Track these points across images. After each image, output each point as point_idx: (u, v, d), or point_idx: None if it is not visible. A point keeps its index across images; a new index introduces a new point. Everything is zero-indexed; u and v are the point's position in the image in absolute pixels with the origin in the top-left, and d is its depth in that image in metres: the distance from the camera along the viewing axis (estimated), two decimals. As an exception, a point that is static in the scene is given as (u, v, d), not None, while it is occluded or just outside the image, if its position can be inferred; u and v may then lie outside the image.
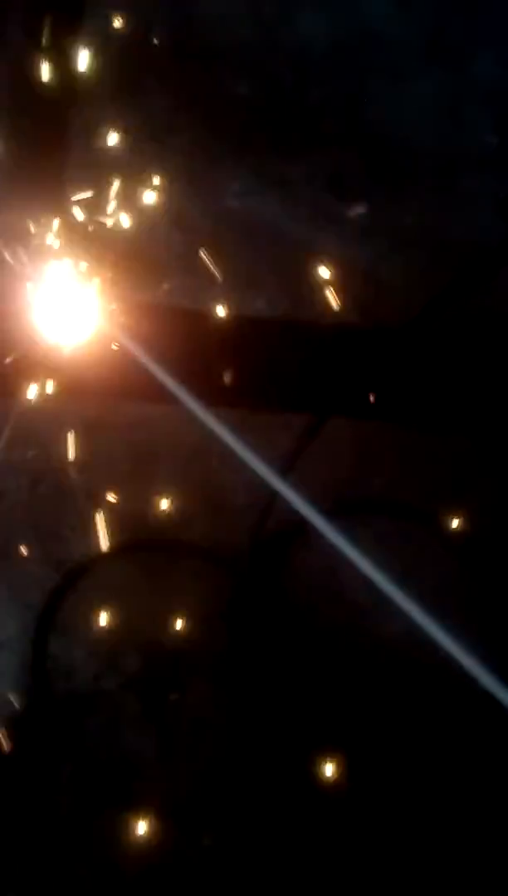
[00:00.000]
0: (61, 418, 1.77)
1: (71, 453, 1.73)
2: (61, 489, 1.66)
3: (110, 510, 1.66)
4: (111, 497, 1.67)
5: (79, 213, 0.95)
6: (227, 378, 0.62)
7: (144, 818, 1.34)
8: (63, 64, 0.90)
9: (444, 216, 2.28)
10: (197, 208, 2.16)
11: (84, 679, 1.45)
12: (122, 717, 1.41)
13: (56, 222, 0.88)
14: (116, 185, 1.22)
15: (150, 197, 1.30)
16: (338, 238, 2.17)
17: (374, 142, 2.41)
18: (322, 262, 2.13)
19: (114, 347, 0.60)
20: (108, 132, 2.27)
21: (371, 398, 1.36)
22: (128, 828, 1.33)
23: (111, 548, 1.59)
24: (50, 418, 1.75)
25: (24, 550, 1.57)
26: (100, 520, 1.64)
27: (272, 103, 2.44)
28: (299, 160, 2.32)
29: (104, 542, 1.60)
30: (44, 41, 0.85)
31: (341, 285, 2.12)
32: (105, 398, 1.79)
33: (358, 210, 2.24)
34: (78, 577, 1.56)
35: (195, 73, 2.48)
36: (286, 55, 2.56)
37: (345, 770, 1.45)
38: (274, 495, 1.69)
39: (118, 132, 2.27)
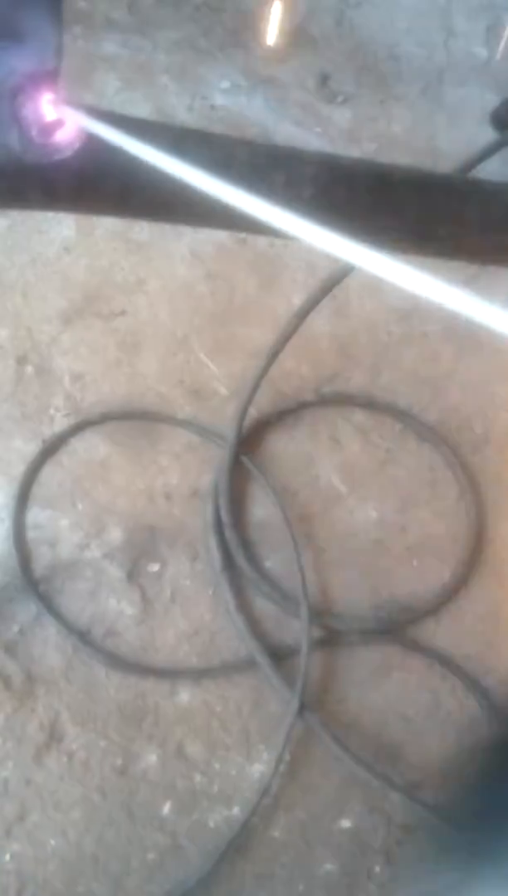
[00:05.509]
0: (48, 301, 1.79)
1: (57, 337, 1.75)
2: (47, 370, 1.69)
3: (95, 391, 1.69)
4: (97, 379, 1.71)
5: None
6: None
7: (124, 676, 1.40)
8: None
9: (430, 123, 2.29)
10: (184, 104, 2.15)
11: (68, 548, 1.50)
12: (105, 584, 1.46)
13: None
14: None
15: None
16: (326, 140, 2.17)
17: (363, 47, 2.40)
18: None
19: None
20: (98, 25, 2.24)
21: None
22: (109, 682, 1.39)
23: (96, 421, 1.63)
24: (37, 300, 1.78)
25: (10, 427, 1.60)
26: (84, 398, 1.67)
27: (263, 3, 2.42)
28: (288, 61, 2.30)
29: (89, 419, 1.63)
30: None
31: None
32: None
33: (345, 113, 2.25)
34: (60, 447, 1.59)
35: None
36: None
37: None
38: (257, 385, 1.73)
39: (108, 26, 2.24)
